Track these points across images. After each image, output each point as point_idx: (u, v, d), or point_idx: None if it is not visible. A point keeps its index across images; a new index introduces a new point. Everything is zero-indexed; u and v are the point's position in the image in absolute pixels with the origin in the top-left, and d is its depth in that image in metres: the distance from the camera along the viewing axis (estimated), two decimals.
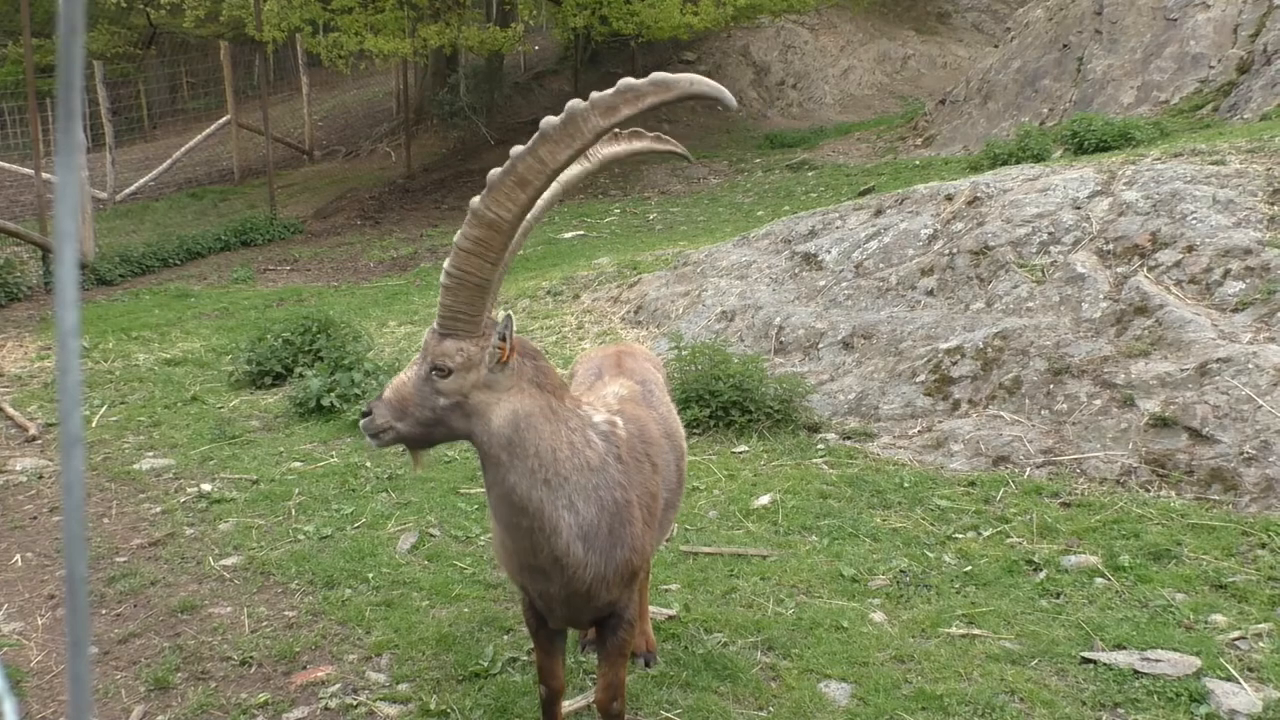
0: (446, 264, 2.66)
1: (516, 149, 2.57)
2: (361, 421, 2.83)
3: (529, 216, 2.80)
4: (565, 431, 2.80)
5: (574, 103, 2.50)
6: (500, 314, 2.77)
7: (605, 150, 3.13)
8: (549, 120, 2.52)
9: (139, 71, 26.87)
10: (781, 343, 7.37)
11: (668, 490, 3.23)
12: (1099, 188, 7.11)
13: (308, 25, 18.53)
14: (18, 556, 5.20)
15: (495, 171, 2.59)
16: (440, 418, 2.75)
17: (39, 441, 7.01)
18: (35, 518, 5.74)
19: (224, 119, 19.93)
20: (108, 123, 18.60)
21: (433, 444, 2.92)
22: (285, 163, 21.67)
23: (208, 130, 20.06)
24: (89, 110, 18.92)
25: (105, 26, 28.27)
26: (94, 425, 7.31)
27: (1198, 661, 3.60)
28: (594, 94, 2.50)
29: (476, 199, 2.61)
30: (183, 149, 19.94)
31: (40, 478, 6.33)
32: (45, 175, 13.15)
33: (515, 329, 2.75)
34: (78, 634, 0.78)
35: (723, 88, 2.52)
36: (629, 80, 2.50)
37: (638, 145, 3.21)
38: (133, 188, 19.14)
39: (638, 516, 2.93)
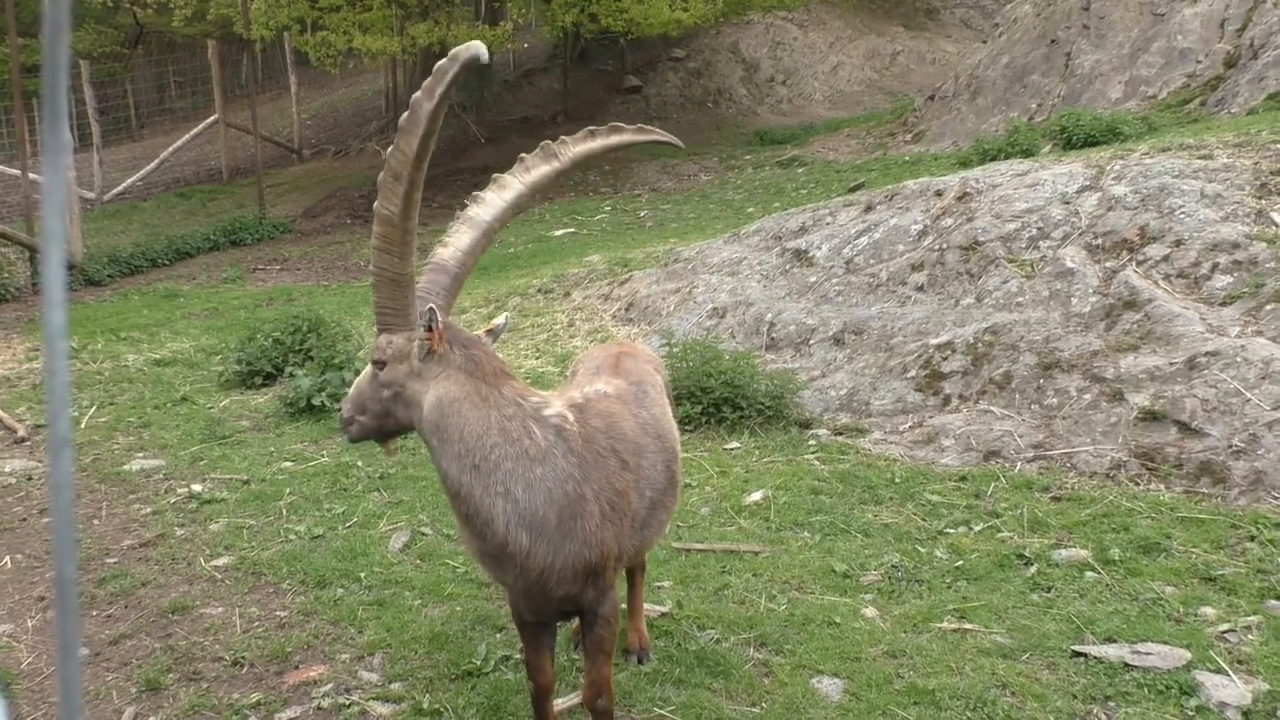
0: (372, 268, 2.87)
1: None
2: (338, 416, 3.12)
3: (494, 219, 3.08)
4: (497, 418, 2.85)
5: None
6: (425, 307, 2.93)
7: (577, 148, 3.22)
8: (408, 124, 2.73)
9: (126, 71, 26.72)
10: (773, 339, 7.37)
11: (653, 490, 3.24)
12: (1088, 183, 7.13)
13: (296, 24, 18.43)
14: (7, 559, 5.18)
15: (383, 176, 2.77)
16: (387, 409, 2.95)
17: (28, 443, 6.97)
18: (25, 520, 5.72)
19: (212, 118, 19.84)
20: (95, 123, 18.50)
21: (391, 435, 3.08)
22: (274, 162, 21.59)
23: (195, 129, 19.96)
24: (75, 110, 18.81)
25: (91, 26, 28.10)
26: (83, 426, 7.28)
27: (1188, 654, 3.61)
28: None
29: (376, 202, 2.79)
30: (170, 148, 19.84)
31: (29, 479, 6.30)
32: (32, 176, 13.07)
33: (442, 321, 2.89)
34: (68, 636, 0.78)
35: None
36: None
37: (614, 140, 3.27)
38: (120, 188, 19.05)
39: (593, 511, 2.93)
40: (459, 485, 2.84)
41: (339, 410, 3.08)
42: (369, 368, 2.98)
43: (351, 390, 3.05)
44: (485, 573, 3.22)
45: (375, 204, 2.79)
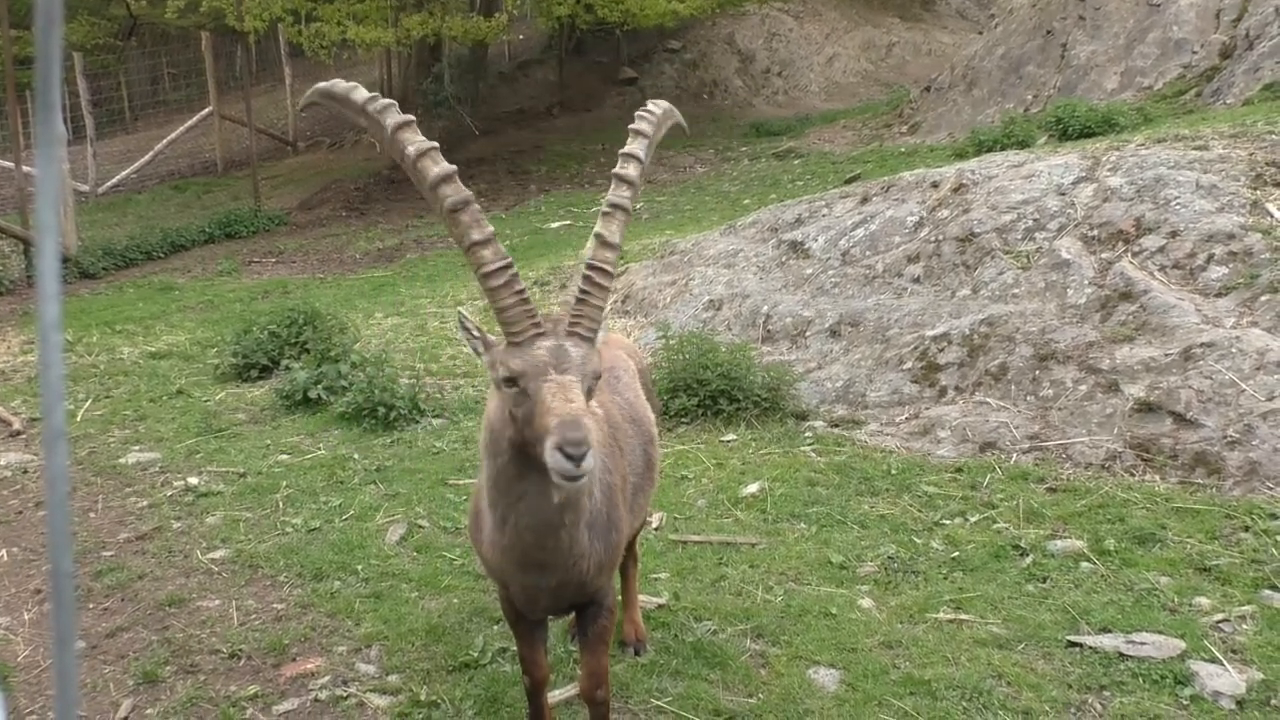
0: (606, 265, 2.61)
1: (636, 152, 2.80)
2: (585, 472, 2.31)
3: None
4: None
5: (655, 110, 2.91)
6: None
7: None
8: (647, 127, 2.83)
9: (119, 63, 26.58)
10: (769, 331, 7.37)
11: (635, 475, 3.25)
12: (1083, 174, 7.13)
13: (289, 15, 18.35)
14: (3, 552, 5.17)
15: (632, 171, 2.73)
16: None
17: (23, 436, 6.96)
18: (20, 513, 5.71)
19: (206, 110, 19.77)
20: (88, 115, 18.43)
21: None
22: (269, 154, 21.53)
23: (190, 122, 19.89)
24: (69, 102, 18.74)
25: (85, 18, 27.98)
26: (78, 419, 7.27)
27: (1182, 644, 3.63)
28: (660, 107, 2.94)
29: (626, 199, 2.72)
30: (164, 141, 19.77)
31: (25, 472, 6.30)
32: (26, 168, 13.02)
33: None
34: (64, 629, 0.78)
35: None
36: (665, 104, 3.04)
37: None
38: (114, 180, 18.98)
39: (620, 500, 2.96)
40: (580, 493, 2.64)
41: (582, 457, 2.26)
42: (583, 390, 2.41)
43: (594, 429, 2.36)
44: (501, 580, 2.99)
45: (627, 202, 2.71)
